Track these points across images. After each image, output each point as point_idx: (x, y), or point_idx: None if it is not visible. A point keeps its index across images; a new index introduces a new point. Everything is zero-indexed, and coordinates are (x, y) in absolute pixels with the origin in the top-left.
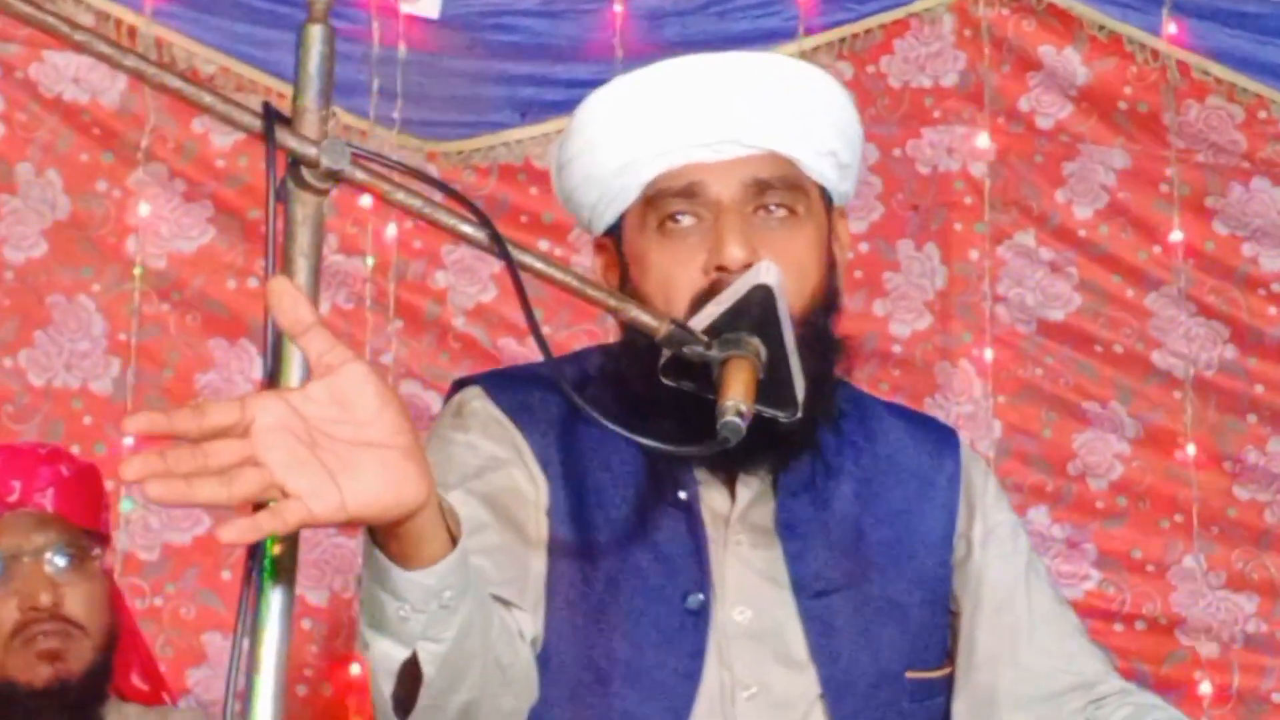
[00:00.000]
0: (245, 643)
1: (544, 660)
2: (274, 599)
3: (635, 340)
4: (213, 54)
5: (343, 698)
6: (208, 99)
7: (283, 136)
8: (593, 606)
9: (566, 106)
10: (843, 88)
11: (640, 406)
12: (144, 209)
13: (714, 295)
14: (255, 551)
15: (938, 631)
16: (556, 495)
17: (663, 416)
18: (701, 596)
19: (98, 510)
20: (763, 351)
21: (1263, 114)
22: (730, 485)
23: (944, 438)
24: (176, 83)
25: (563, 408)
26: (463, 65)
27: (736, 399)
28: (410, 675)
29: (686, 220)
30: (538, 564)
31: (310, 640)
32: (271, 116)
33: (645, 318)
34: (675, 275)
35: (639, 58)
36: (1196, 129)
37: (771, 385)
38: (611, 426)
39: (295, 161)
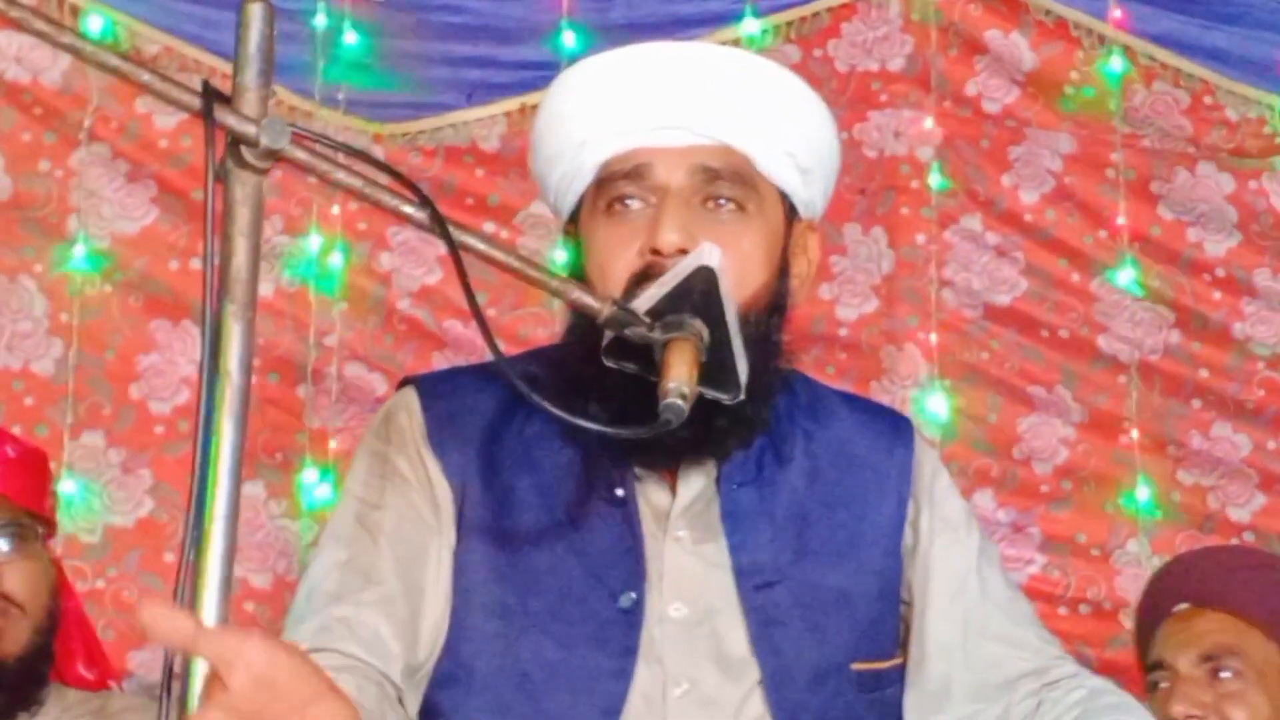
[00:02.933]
0: None
1: (467, 672)
2: (211, 579)
3: (579, 324)
4: (156, 33)
5: None
6: (146, 77)
7: (222, 115)
8: (517, 613)
9: (513, 89)
10: (810, 90)
11: (583, 393)
12: (86, 189)
13: (649, 278)
14: (193, 531)
15: (887, 621)
16: (471, 508)
17: (605, 401)
18: (634, 595)
19: (42, 493)
20: (705, 333)
21: (1208, 99)
22: (671, 481)
23: (896, 426)
24: (115, 61)
25: (493, 413)
26: (409, 46)
27: (679, 380)
28: None
29: (634, 204)
30: (435, 596)
31: (254, 623)
32: (210, 95)
33: (587, 299)
34: (613, 256)
35: (588, 42)
36: (1142, 114)
37: (714, 367)
38: (555, 411)
39: (235, 140)
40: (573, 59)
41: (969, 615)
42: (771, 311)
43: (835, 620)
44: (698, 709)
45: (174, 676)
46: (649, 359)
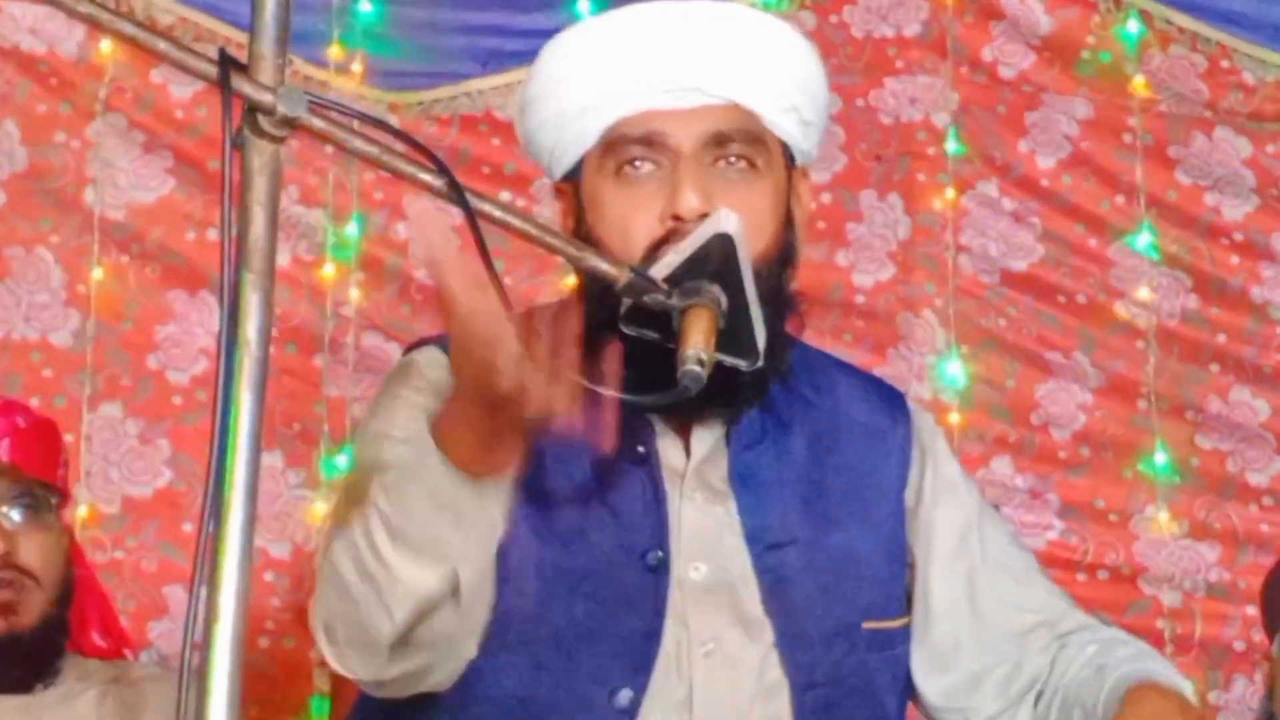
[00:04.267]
0: (203, 593)
1: (503, 628)
2: (231, 549)
3: (593, 289)
4: (171, 4)
5: (305, 650)
6: (162, 46)
7: (238, 83)
8: (551, 568)
9: (528, 56)
10: (809, 43)
11: (598, 356)
12: (102, 160)
13: (669, 243)
14: (213, 502)
15: (895, 581)
16: None
17: (623, 366)
18: (661, 553)
19: (55, 463)
20: (723, 300)
21: (1225, 63)
22: (685, 439)
23: (892, 395)
24: (131, 30)
25: None
26: (424, 15)
27: (697, 347)
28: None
29: (645, 167)
30: None
31: (273, 593)
32: (227, 63)
33: (605, 266)
34: (632, 221)
35: (602, 7)
36: (1159, 78)
37: (732, 333)
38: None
39: (251, 109)
40: None
41: (973, 573)
42: (784, 264)
43: (845, 581)
44: (723, 669)
45: (194, 647)
46: (667, 326)
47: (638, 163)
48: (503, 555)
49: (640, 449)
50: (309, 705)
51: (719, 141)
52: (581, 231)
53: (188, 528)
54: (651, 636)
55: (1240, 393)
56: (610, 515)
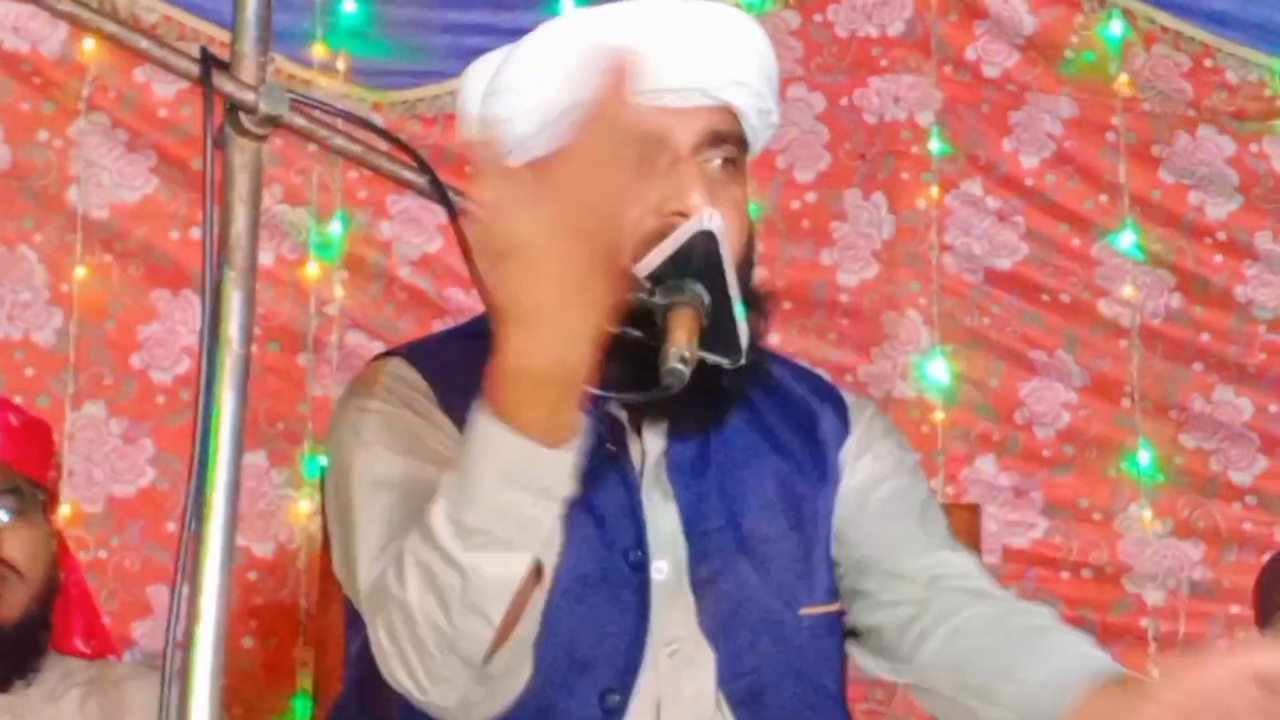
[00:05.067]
0: (185, 591)
1: None
2: (213, 549)
3: None
4: (154, 2)
5: (289, 649)
6: (143, 44)
7: (220, 81)
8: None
9: None
10: (765, 36)
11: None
12: (85, 159)
13: (663, 238)
14: (195, 501)
15: (825, 565)
16: None
17: (606, 362)
18: (640, 552)
19: (44, 463)
20: (706, 297)
21: (1209, 62)
22: (640, 438)
23: (826, 385)
24: (112, 28)
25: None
26: (408, 14)
27: (680, 345)
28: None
29: (639, 166)
30: None
31: (257, 592)
32: (208, 61)
33: None
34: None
35: (586, 3)
36: (1143, 77)
37: (715, 331)
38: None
39: (233, 107)
40: None
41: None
42: (752, 263)
43: (776, 565)
44: (686, 668)
45: (177, 645)
46: (650, 324)
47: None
48: None
49: (611, 447)
50: (292, 705)
51: (714, 142)
52: None
53: (171, 527)
54: (638, 638)
55: (1224, 392)
56: (592, 513)
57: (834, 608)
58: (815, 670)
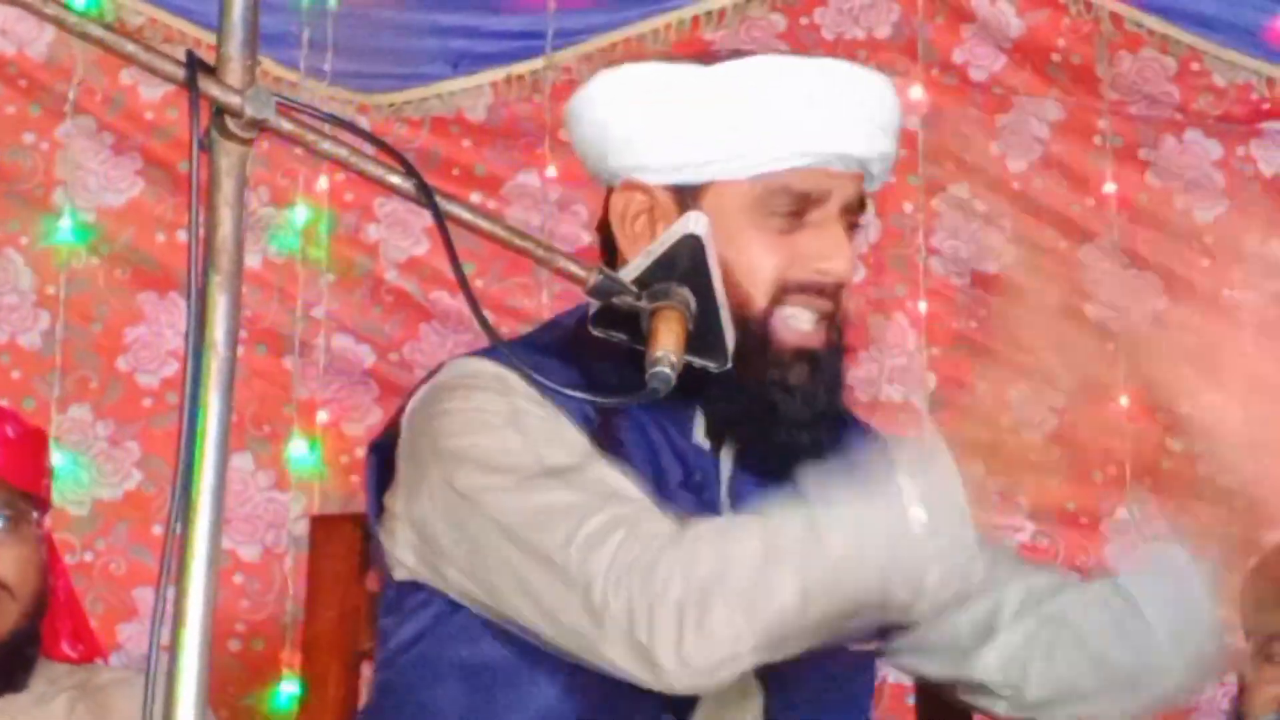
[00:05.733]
0: (171, 594)
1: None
2: (199, 552)
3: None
4: (141, 5)
5: (276, 652)
6: (130, 47)
7: (206, 85)
8: None
9: (499, 59)
10: None
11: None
12: (72, 162)
13: (805, 291)
14: (180, 503)
15: None
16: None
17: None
18: (698, 476)
19: (39, 475)
20: (692, 302)
21: (1195, 66)
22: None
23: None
24: (98, 31)
25: (570, 383)
26: (394, 17)
27: (666, 349)
28: None
29: (793, 218)
30: None
31: (243, 595)
32: (194, 64)
33: (572, 267)
34: (771, 263)
35: (571, 9)
36: (1129, 81)
37: (701, 335)
38: (546, 383)
39: (219, 110)
40: (559, 29)
41: None
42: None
43: None
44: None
45: (161, 649)
46: (636, 328)
47: (792, 214)
48: None
49: (697, 477)
50: (279, 708)
51: (859, 208)
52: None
53: (157, 530)
54: None
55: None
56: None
57: (874, 646)
58: (857, 707)
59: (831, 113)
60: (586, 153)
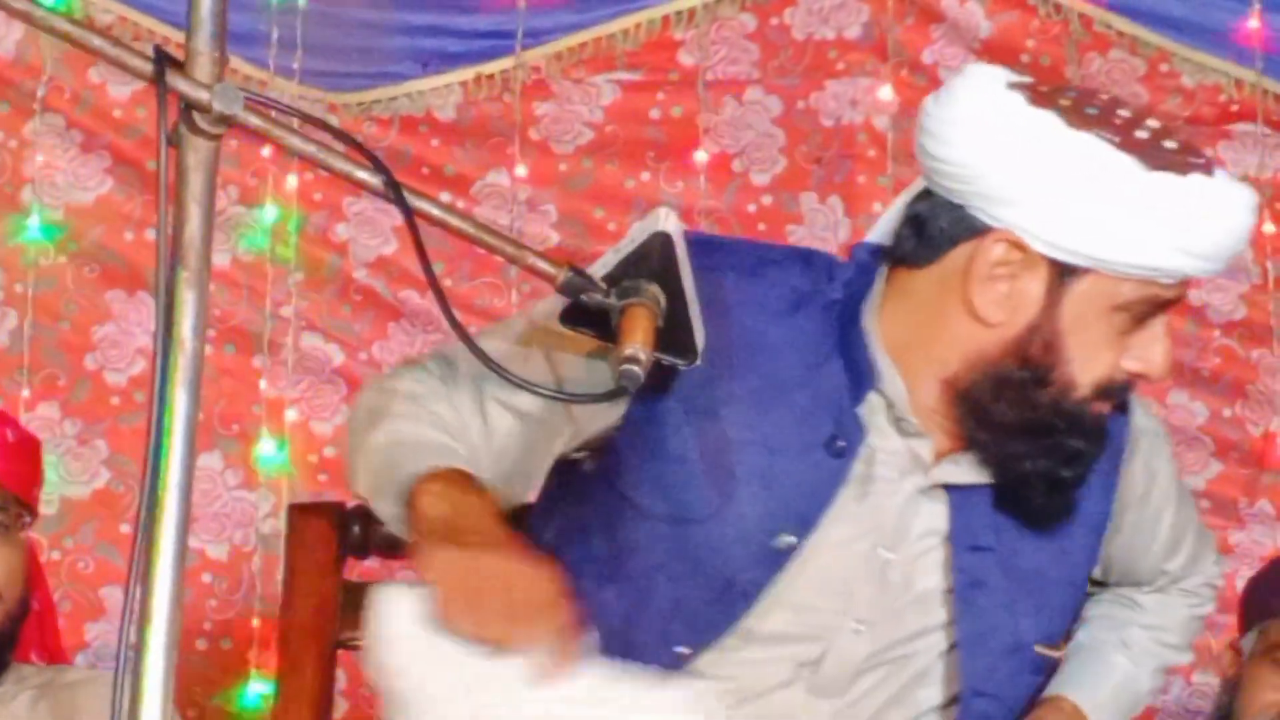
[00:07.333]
0: (138, 593)
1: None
2: (165, 550)
3: None
4: (110, 2)
5: (244, 652)
6: (97, 42)
7: (174, 80)
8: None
9: (468, 58)
10: None
11: None
12: (40, 159)
13: (1120, 391)
14: (147, 501)
15: (1070, 612)
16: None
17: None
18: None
19: (33, 482)
20: (661, 299)
21: (1164, 67)
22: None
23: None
24: (65, 26)
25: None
26: (363, 15)
27: (635, 346)
28: None
29: (1140, 320)
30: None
31: (211, 594)
32: (162, 59)
33: (542, 264)
34: (1109, 358)
35: (540, 9)
36: (1098, 82)
37: (671, 332)
38: (517, 380)
39: (187, 106)
40: (529, 28)
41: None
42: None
43: (1030, 600)
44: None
45: (129, 647)
46: (606, 325)
47: (1148, 313)
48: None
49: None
50: (247, 708)
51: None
52: (1038, 321)
53: (125, 529)
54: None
55: (1178, 396)
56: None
57: (1059, 652)
58: (1025, 703)
59: (1223, 239)
60: (957, 173)
